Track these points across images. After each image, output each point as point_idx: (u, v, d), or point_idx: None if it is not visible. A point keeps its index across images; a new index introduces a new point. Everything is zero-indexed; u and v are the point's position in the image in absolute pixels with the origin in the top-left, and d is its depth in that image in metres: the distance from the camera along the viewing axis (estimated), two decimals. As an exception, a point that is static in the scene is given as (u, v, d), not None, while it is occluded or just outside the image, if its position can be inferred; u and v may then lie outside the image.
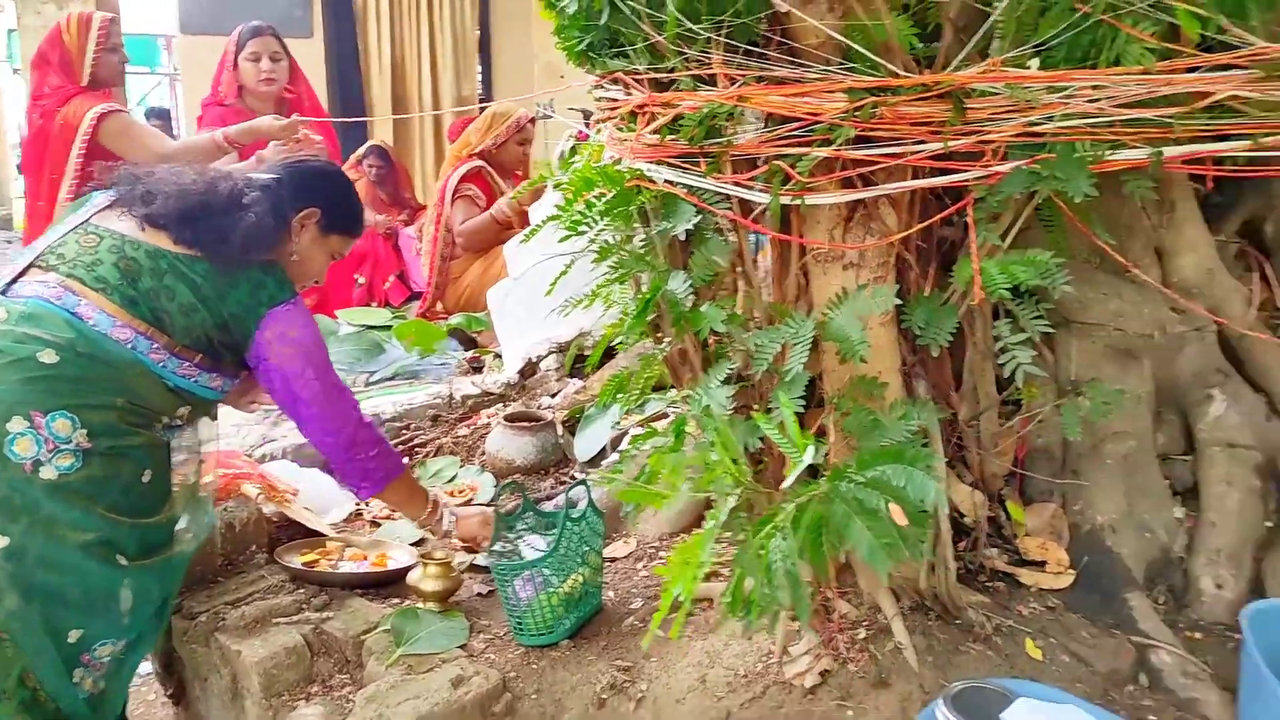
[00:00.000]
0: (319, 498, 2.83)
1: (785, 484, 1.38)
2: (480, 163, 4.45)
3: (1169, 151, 1.93)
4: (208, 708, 2.34)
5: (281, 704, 2.04)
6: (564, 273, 2.26)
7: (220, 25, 8.65)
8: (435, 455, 3.14)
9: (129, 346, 1.88)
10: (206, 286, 1.94)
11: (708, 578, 2.03)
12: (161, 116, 9.13)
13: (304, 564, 2.47)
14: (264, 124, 3.41)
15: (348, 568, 2.49)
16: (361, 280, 6.34)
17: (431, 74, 8.81)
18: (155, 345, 1.92)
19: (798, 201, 1.87)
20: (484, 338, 4.10)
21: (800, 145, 1.84)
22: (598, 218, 2.03)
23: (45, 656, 1.79)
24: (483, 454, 3.07)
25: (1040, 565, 2.24)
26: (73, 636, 1.83)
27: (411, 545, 2.64)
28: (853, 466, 1.42)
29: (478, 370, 3.71)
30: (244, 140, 3.42)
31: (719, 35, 1.80)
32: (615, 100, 2.04)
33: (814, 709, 1.82)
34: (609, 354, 3.32)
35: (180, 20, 9.00)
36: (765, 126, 1.86)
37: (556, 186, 2.39)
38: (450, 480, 3.03)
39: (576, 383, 3.27)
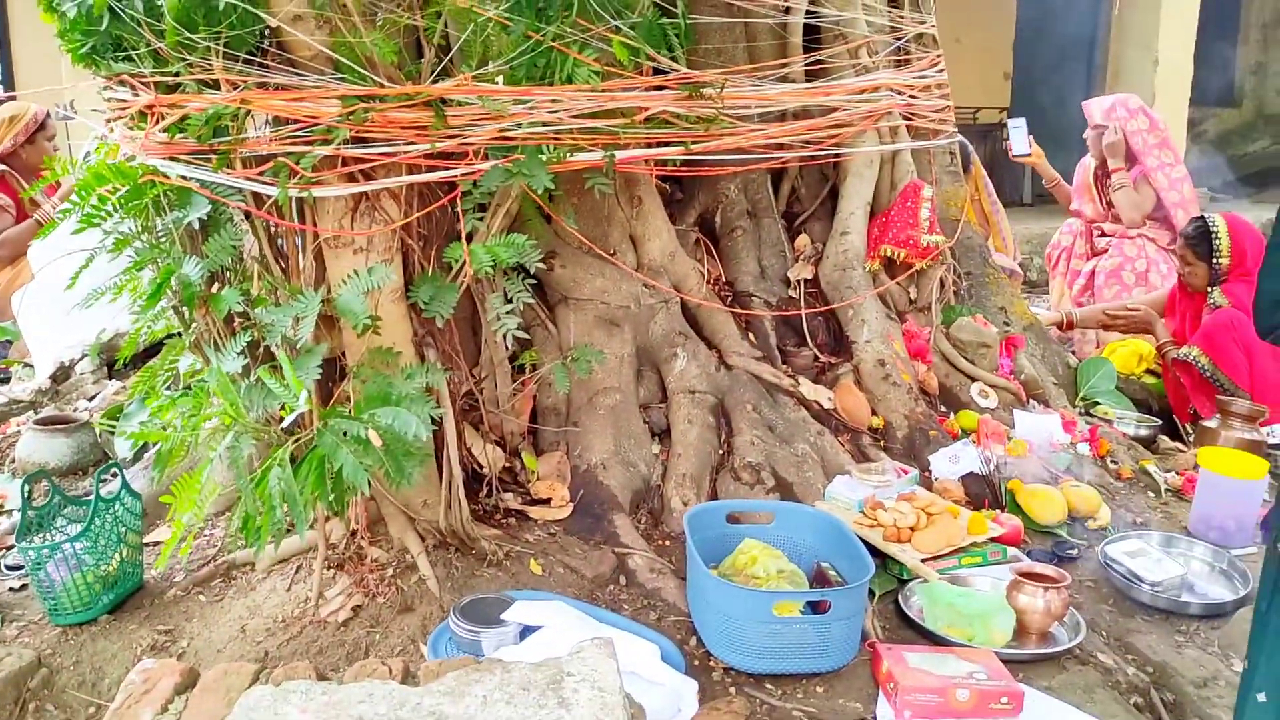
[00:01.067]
0: None
1: (283, 424, 1.62)
2: (3, 167, 4.19)
3: (620, 155, 2.41)
4: None
5: None
6: (85, 266, 2.32)
7: None
8: (-43, 468, 2.99)
9: None
10: None
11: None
12: None
13: None
14: None
15: None
16: None
17: (-63, 68, 7.89)
18: None
19: (304, 194, 2.11)
20: (18, 349, 3.88)
21: (304, 144, 2.08)
22: (112, 210, 2.13)
23: None
24: (13, 461, 2.97)
25: (548, 503, 2.65)
26: None
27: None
28: (347, 411, 1.69)
29: (4, 381, 3.54)
30: None
31: (218, 44, 1.99)
32: (124, 101, 2.15)
33: (346, 639, 2.07)
34: (150, 353, 3.34)
35: None
36: (273, 127, 2.08)
37: (76, 186, 2.44)
38: (-26, 490, 2.91)
39: (116, 384, 3.26)
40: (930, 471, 2.90)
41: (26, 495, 2.21)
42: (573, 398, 2.84)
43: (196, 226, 2.11)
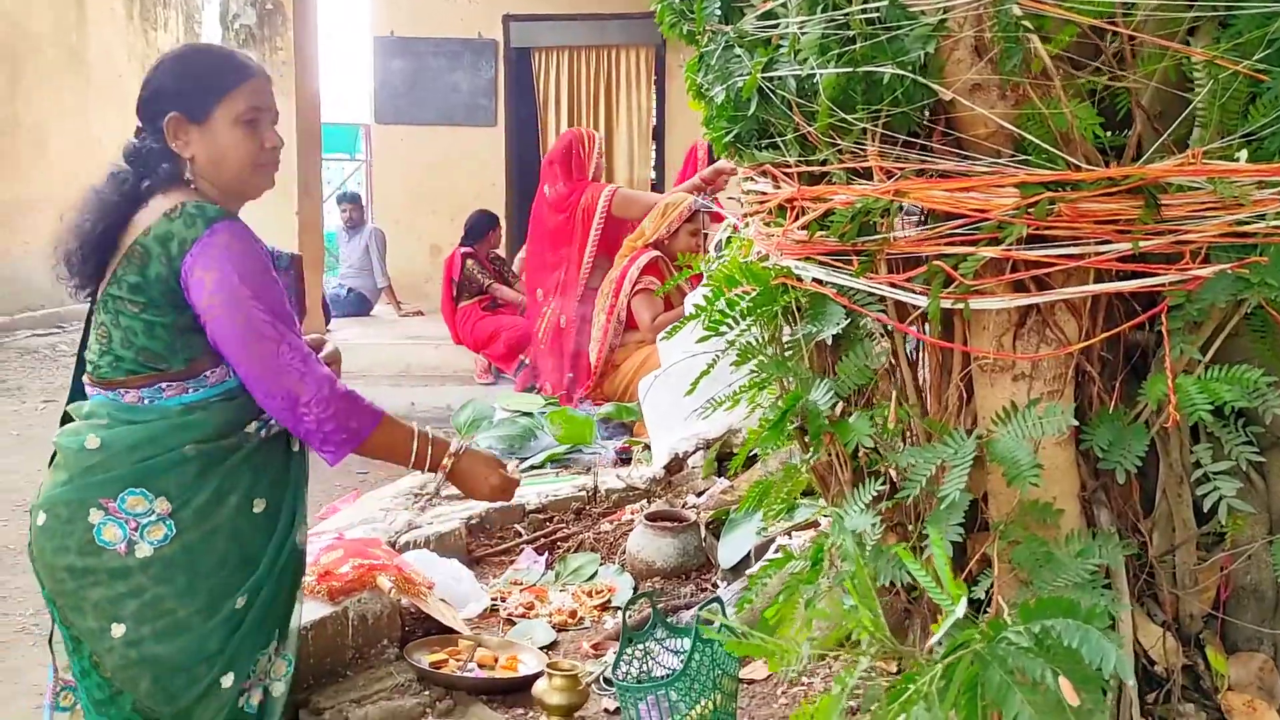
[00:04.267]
0: (455, 591, 2.77)
1: (932, 640, 1.19)
2: (656, 253, 4.44)
3: None
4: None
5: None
6: (705, 372, 2.14)
7: (410, 116, 9.19)
8: (576, 551, 3.05)
9: (148, 402, 1.73)
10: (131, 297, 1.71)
11: None
12: (353, 200, 9.59)
13: (432, 664, 2.39)
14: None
15: (476, 670, 2.40)
16: (526, 361, 6.43)
17: (607, 159, 8.99)
18: (165, 385, 1.73)
19: (960, 305, 1.69)
20: (639, 427, 4.01)
21: (965, 244, 1.67)
22: (740, 317, 1.90)
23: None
24: (623, 553, 2.95)
25: (1248, 729, 1.92)
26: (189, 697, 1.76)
27: (543, 649, 2.53)
28: (1016, 618, 1.22)
29: (625, 462, 3.62)
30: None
31: (875, 126, 1.66)
32: (763, 194, 1.92)
33: None
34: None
35: (375, 111, 9.55)
36: (926, 223, 1.69)
37: (705, 279, 2.29)
38: (590, 578, 2.92)
39: (723, 482, 3.12)
40: None
41: (626, 622, 2.05)
42: (1287, 581, 2.06)
43: (829, 342, 1.79)
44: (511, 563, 3.05)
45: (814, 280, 1.82)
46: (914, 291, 1.72)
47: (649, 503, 3.17)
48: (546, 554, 3.04)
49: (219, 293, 1.67)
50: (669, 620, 2.18)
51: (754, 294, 1.88)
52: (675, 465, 3.21)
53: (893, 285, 1.72)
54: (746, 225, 2.11)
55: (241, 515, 1.77)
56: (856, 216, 1.72)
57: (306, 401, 1.69)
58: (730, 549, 2.74)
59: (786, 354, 1.88)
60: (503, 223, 7.74)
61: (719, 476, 3.15)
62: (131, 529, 1.69)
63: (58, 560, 1.70)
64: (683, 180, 5.32)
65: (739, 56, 1.82)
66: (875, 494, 1.61)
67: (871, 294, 1.76)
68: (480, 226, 7.39)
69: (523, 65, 9.02)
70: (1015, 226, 1.62)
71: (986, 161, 1.64)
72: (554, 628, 2.66)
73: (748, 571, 2.61)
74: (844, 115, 1.65)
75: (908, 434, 1.79)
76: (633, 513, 3.13)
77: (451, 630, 2.55)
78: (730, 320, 1.91)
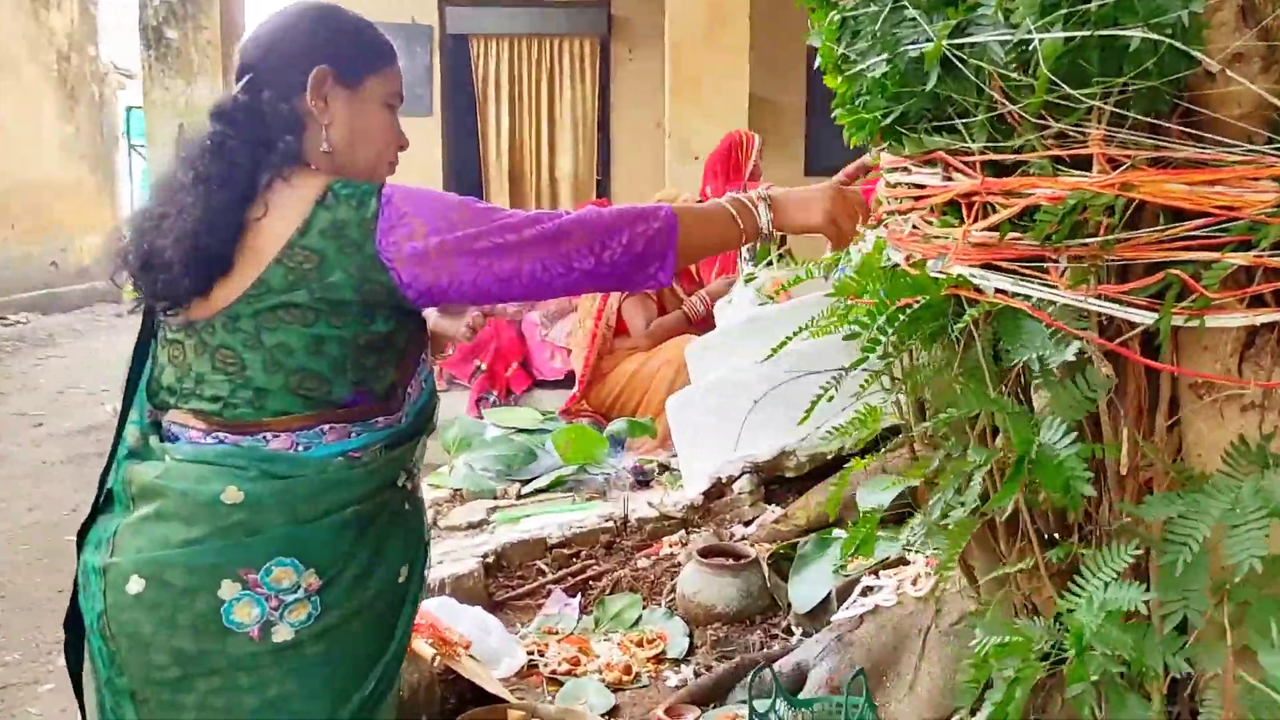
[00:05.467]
0: (486, 646, 2.39)
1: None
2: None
3: None
4: None
5: None
6: (827, 396, 1.82)
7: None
8: (613, 591, 2.69)
9: (302, 450, 1.33)
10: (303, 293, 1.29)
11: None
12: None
13: (484, 743, 2.02)
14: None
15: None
16: (482, 366, 6.02)
17: (550, 153, 8.61)
18: (327, 428, 1.33)
19: (1194, 323, 1.40)
20: (640, 444, 3.66)
21: (1204, 248, 1.38)
22: (902, 335, 1.58)
23: None
24: (671, 594, 2.60)
25: None
26: None
27: (604, 717, 2.17)
28: None
29: (644, 484, 3.27)
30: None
31: (1107, 104, 1.35)
32: (926, 187, 1.60)
33: None
34: (813, 475, 2.86)
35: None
36: (1157, 224, 1.39)
37: (747, 281, 1.98)
38: (634, 624, 2.57)
39: (773, 509, 2.81)
40: None
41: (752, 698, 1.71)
42: None
43: (1037, 368, 1.47)
44: (539, 606, 2.68)
45: (998, 291, 1.52)
46: (1139, 306, 1.43)
47: (687, 533, 2.83)
48: (579, 595, 2.68)
49: (441, 228, 1.28)
50: (795, 700, 1.85)
51: (916, 307, 1.57)
52: (715, 491, 2.88)
53: (1112, 299, 1.42)
54: (882, 224, 1.79)
55: (388, 589, 1.39)
56: (1069, 215, 1.42)
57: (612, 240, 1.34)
58: (804, 590, 2.42)
59: (963, 379, 1.57)
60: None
61: (767, 503, 2.83)
62: (272, 608, 1.28)
63: (162, 640, 1.27)
64: (721, 178, 5.00)
65: (912, 19, 1.50)
66: (1131, 559, 1.31)
67: (1078, 310, 1.46)
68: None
69: (460, 53, 8.55)
70: (1272, 227, 1.34)
71: (1241, 149, 1.36)
72: (608, 687, 2.31)
73: (833, 618, 2.29)
74: (1070, 91, 1.35)
75: (1129, 480, 1.49)
76: (672, 545, 2.79)
77: (495, 698, 2.18)
78: (890, 340, 1.58)
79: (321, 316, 1.29)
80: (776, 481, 2.88)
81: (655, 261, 1.38)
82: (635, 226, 1.36)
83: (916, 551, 2.34)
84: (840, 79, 1.68)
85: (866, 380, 1.96)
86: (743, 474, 2.84)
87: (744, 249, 3.71)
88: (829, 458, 2.78)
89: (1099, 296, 1.42)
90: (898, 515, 2.43)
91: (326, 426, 1.33)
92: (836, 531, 2.54)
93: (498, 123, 8.60)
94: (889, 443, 2.16)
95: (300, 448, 1.33)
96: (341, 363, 1.31)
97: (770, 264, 3.40)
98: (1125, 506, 1.40)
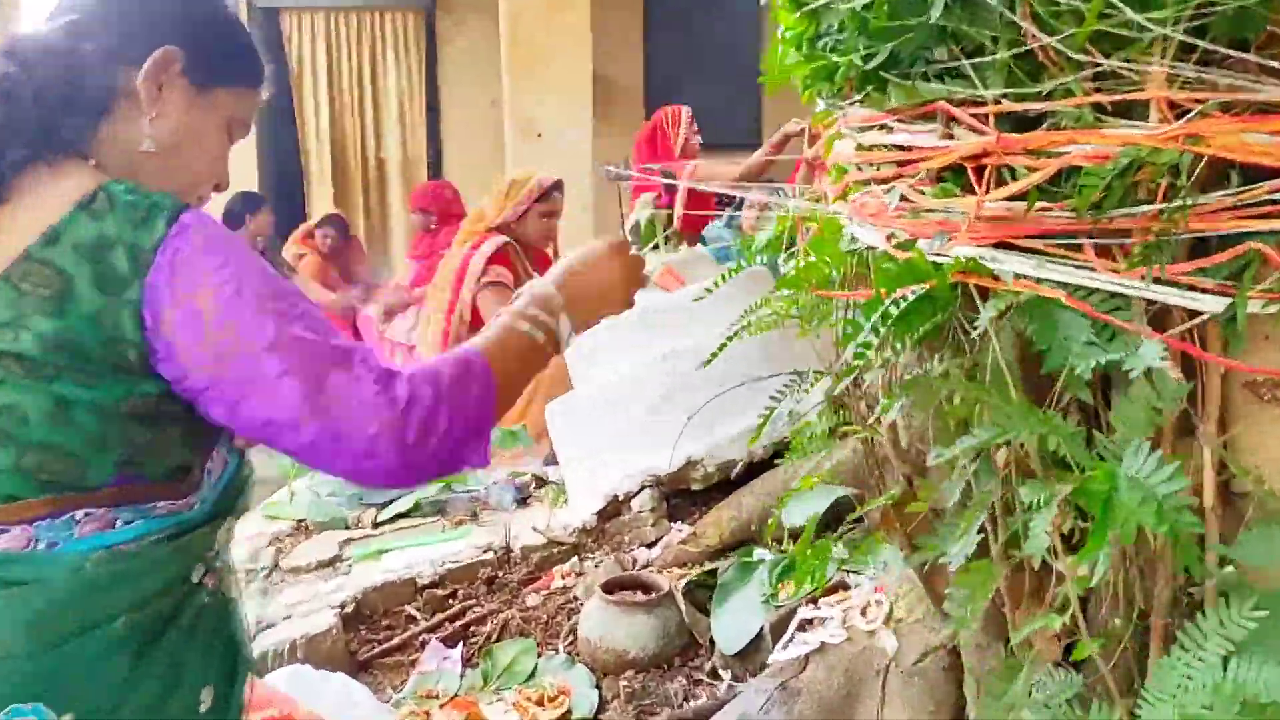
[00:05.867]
0: (355, 722, 1.96)
1: None
2: (505, 239, 3.64)
3: None
4: None
5: None
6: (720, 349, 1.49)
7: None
8: (499, 637, 2.29)
9: (45, 547, 0.92)
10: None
11: None
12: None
13: None
14: None
15: None
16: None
17: (376, 137, 8.02)
18: (81, 516, 0.93)
19: (1270, 307, 1.13)
20: (511, 455, 3.25)
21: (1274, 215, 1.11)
22: (896, 331, 1.26)
23: None
24: (571, 637, 2.23)
25: None
26: None
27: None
28: None
29: (522, 502, 2.87)
30: None
31: (1172, 31, 1.06)
32: (917, 149, 1.28)
33: None
34: (721, 486, 2.54)
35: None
36: (1228, 186, 1.12)
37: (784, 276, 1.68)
38: (529, 678, 2.18)
39: (679, 527, 2.47)
40: None
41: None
42: None
43: (1088, 375, 1.17)
44: (413, 663, 2.25)
45: (1018, 277, 1.22)
46: (1203, 289, 1.16)
47: (581, 561, 2.45)
48: (459, 645, 2.26)
49: (232, 328, 0.92)
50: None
51: (914, 297, 1.25)
52: (611, 509, 2.51)
53: (1171, 283, 1.14)
54: (844, 197, 1.47)
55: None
56: (1124, 176, 1.13)
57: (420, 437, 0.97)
58: (730, 626, 2.08)
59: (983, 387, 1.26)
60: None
61: (672, 521, 2.48)
62: None
63: None
64: (649, 159, 4.62)
65: (911, -70, 1.18)
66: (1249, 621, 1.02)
67: (1124, 294, 1.18)
68: (238, 213, 6.25)
69: (271, 27, 7.81)
70: (1360, 191, 1.09)
71: (1332, 91, 1.10)
72: (509, 762, 1.92)
73: (770, 658, 1.97)
74: (1132, 16, 1.05)
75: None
76: (564, 576, 2.41)
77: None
78: (886, 337, 1.26)
79: (63, 372, 0.89)
80: (680, 495, 2.55)
81: (476, 446, 1.06)
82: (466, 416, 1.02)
83: (857, 573, 2.05)
84: (798, 14, 1.34)
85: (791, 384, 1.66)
86: (642, 489, 2.48)
87: (627, 232, 3.35)
88: (739, 466, 2.46)
89: (1159, 280, 1.14)
90: (823, 524, 2.14)
91: (81, 514, 0.93)
92: (759, 552, 2.23)
93: (316, 105, 7.93)
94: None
95: (41, 544, 0.92)
96: (99, 438, 0.91)
97: (657, 247, 3.07)
98: (1217, 548, 1.13)
